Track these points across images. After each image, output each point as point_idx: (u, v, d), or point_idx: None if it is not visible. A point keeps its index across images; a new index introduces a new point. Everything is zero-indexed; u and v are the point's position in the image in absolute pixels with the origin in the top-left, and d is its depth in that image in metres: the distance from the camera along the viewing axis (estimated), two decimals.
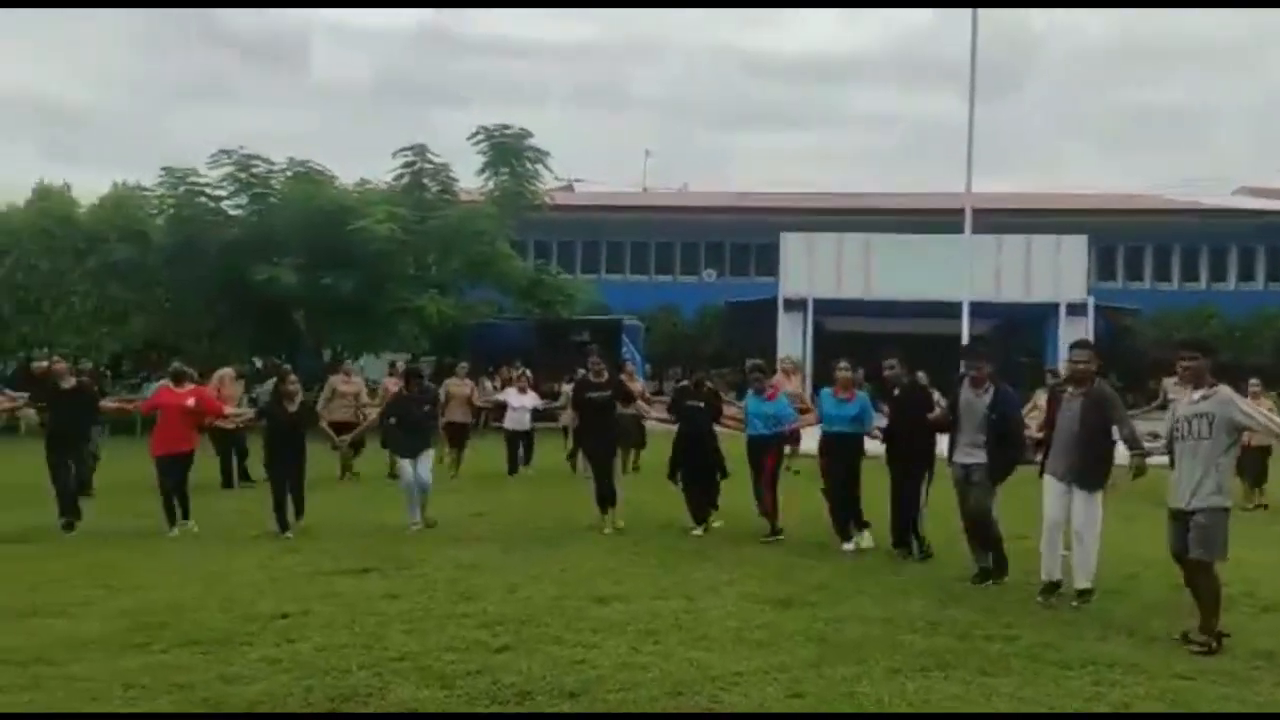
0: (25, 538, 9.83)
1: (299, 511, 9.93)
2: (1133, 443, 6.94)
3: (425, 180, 24.88)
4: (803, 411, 11.51)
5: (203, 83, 78.26)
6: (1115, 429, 7.04)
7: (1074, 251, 27.74)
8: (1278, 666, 5.63)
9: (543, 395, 15.92)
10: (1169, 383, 13.09)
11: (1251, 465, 11.85)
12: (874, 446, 9.12)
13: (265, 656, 5.60)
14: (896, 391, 8.81)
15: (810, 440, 10.09)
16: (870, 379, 9.81)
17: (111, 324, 23.64)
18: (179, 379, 10.57)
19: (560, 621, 6.32)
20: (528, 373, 16.25)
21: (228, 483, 13.64)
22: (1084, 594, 6.94)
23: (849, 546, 8.92)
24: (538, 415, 15.32)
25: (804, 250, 28.18)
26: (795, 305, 27.40)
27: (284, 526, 9.84)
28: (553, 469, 14.69)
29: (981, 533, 7.76)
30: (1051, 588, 7.06)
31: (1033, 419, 11.50)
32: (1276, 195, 36.98)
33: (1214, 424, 6.05)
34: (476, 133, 24.77)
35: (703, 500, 9.93)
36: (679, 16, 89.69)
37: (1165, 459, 6.54)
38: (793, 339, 26.40)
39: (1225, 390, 6.16)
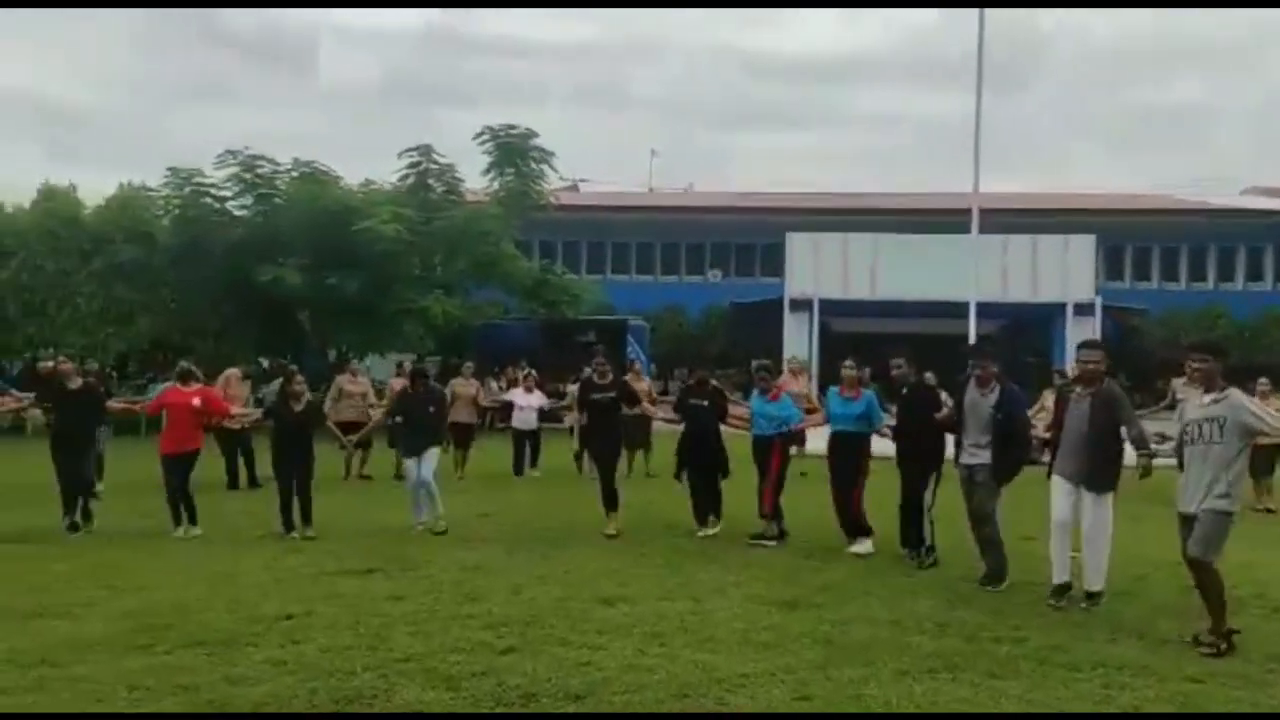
0: (29, 538, 9.82)
1: (306, 516, 9.83)
2: (1140, 443, 6.89)
3: (431, 180, 24.92)
4: (809, 412, 11.47)
5: (206, 83, 78.57)
6: (1124, 429, 6.99)
7: (1081, 251, 27.68)
8: None
9: (548, 395, 15.89)
10: (1178, 384, 13.02)
11: (1262, 464, 11.78)
12: (884, 447, 9.04)
13: (270, 658, 5.57)
14: (904, 391, 8.75)
15: (819, 441, 10.02)
16: (876, 378, 9.76)
17: (117, 324, 23.70)
18: (186, 378, 10.55)
19: (565, 623, 6.29)
20: (533, 372, 16.24)
21: (233, 483, 13.64)
22: (1093, 596, 6.89)
23: (871, 546, 8.85)
24: (544, 415, 15.29)
25: (810, 250, 28.15)
26: (801, 305, 27.38)
27: (289, 527, 9.82)
28: (558, 470, 14.66)
29: (979, 534, 7.70)
30: (1061, 590, 6.98)
31: (1040, 420, 11.48)
32: None
33: (1225, 428, 5.98)
34: (482, 133, 24.81)
35: (709, 500, 9.88)
36: (679, 16, 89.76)
37: (1173, 460, 6.49)
38: (798, 339, 26.35)
39: (1237, 394, 6.09)
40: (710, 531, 9.69)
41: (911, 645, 5.89)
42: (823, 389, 13.32)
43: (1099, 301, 27.14)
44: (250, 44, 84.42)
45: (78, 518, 10.09)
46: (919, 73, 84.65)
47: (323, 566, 8.08)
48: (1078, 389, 7.17)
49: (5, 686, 5.16)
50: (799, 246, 28.31)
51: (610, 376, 10.29)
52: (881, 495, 9.01)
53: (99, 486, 11.93)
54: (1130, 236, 33.74)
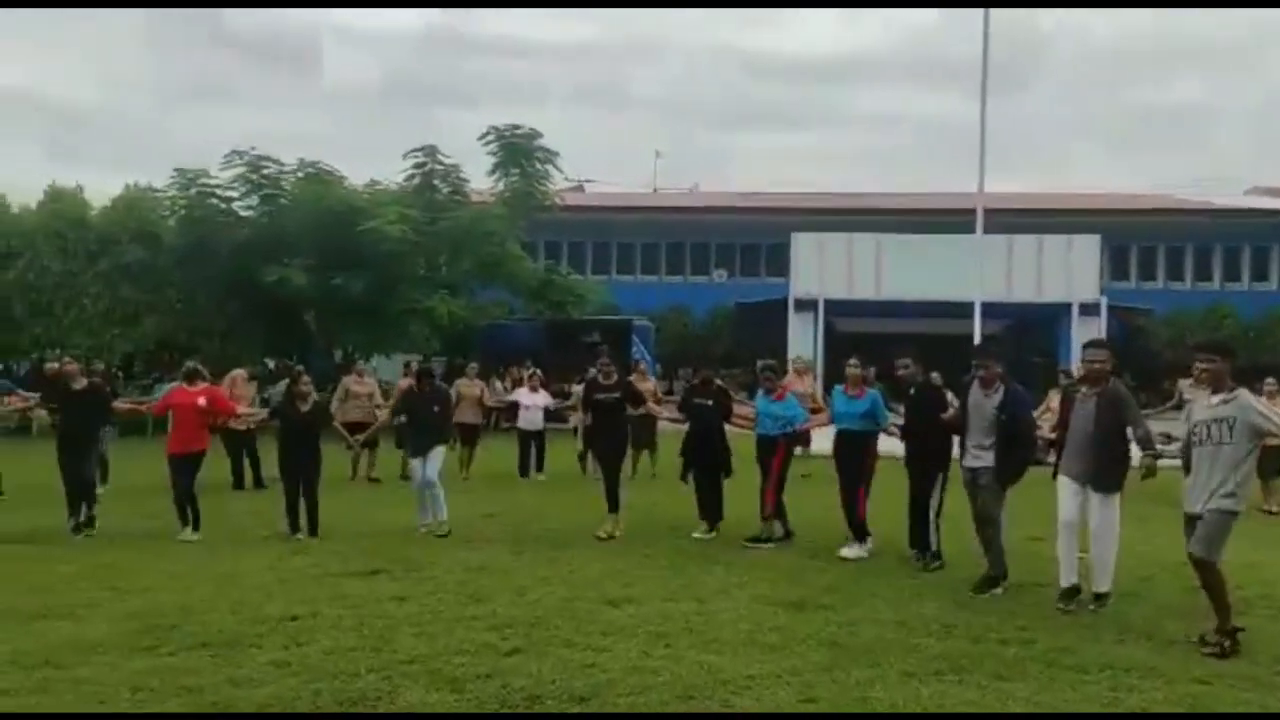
0: (34, 538, 9.83)
1: (312, 525, 9.78)
2: (1146, 443, 6.85)
3: (436, 181, 24.91)
4: (814, 411, 11.43)
5: (207, 83, 78.63)
6: (1130, 429, 6.94)
7: (1086, 251, 27.63)
8: None
9: (554, 396, 15.86)
10: (1185, 385, 12.96)
11: (1269, 465, 11.72)
12: (892, 446, 8.99)
13: (274, 659, 5.56)
14: (912, 391, 8.70)
15: (824, 441, 9.99)
16: (880, 378, 9.71)
17: (123, 325, 23.71)
18: (192, 378, 10.56)
19: (570, 624, 6.27)
20: (538, 372, 16.20)
21: (239, 484, 13.65)
22: (1101, 597, 6.85)
23: (863, 551, 8.81)
24: (549, 416, 15.25)
25: (815, 250, 28.12)
26: (806, 306, 27.35)
27: (295, 527, 9.81)
28: (564, 471, 14.64)
29: (982, 537, 7.63)
30: (1070, 594, 6.87)
31: (1045, 420, 11.43)
32: None
33: (1234, 428, 5.94)
34: (487, 133, 24.82)
35: (713, 501, 9.85)
36: (679, 16, 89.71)
37: (1178, 461, 6.46)
38: (803, 339, 26.32)
39: (1245, 394, 6.05)
40: (700, 535, 9.61)
41: (918, 647, 5.87)
42: (828, 389, 13.25)
43: (1104, 301, 27.08)
44: (252, 44, 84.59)
45: (82, 519, 10.10)
46: (919, 73, 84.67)
47: (327, 567, 8.07)
48: (1083, 389, 7.13)
49: (9, 688, 5.16)
50: (804, 246, 28.27)
51: (615, 377, 10.25)
52: (888, 496, 8.98)
53: (101, 489, 11.93)
54: (1135, 236, 33.66)
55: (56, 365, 14.90)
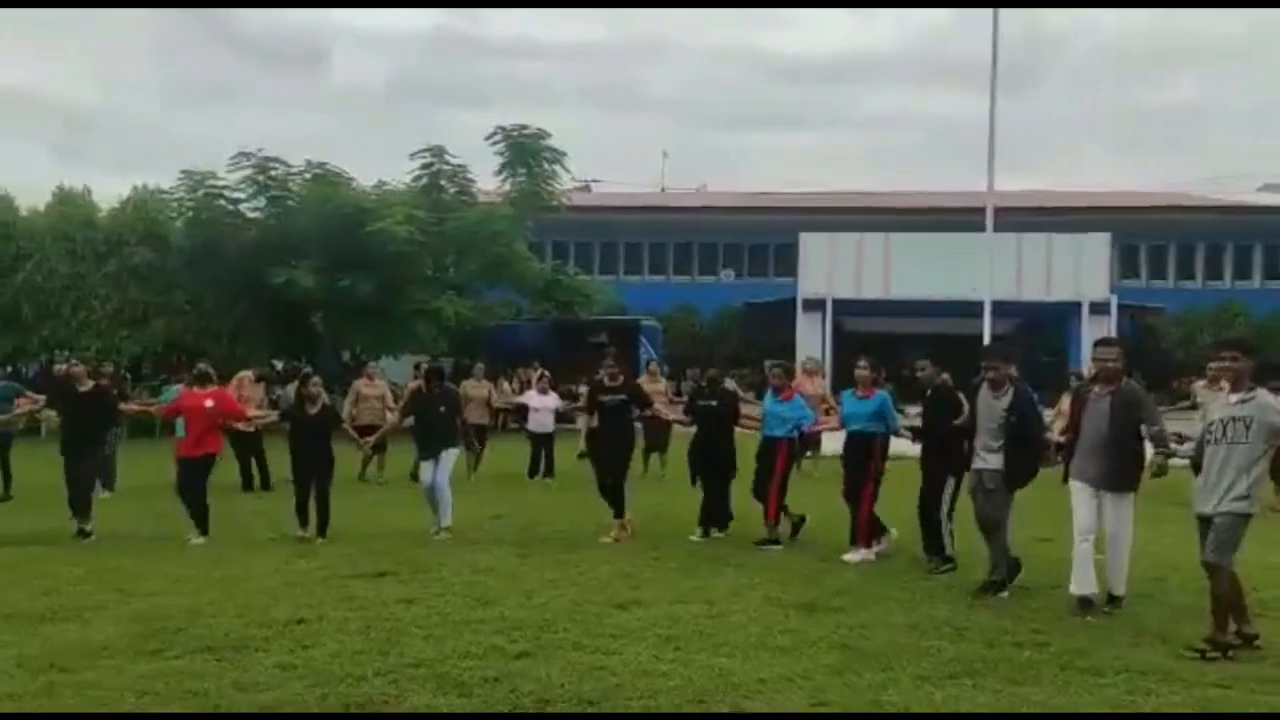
0: (41, 540, 9.81)
1: (321, 527, 9.72)
2: (1160, 441, 6.76)
3: (443, 181, 24.91)
4: (826, 412, 11.34)
5: (214, 84, 78.73)
6: (1144, 427, 6.85)
7: (1096, 250, 27.49)
8: None
9: (562, 397, 15.80)
10: (1198, 385, 12.82)
11: None
12: (905, 447, 8.90)
13: (280, 663, 5.52)
14: (928, 393, 8.60)
15: (835, 444, 9.90)
16: (889, 379, 9.61)
17: (131, 326, 23.76)
18: (202, 381, 10.53)
19: (579, 627, 6.22)
20: (547, 374, 16.14)
21: (247, 485, 13.64)
22: (1115, 600, 6.77)
23: (878, 548, 8.74)
24: (558, 417, 15.17)
25: (823, 250, 28.03)
26: (814, 305, 27.27)
27: (304, 523, 9.77)
28: (571, 472, 14.58)
29: (989, 542, 7.52)
30: (1087, 603, 6.68)
31: (1057, 425, 11.30)
32: None
33: (1251, 428, 5.85)
34: (494, 133, 24.81)
35: (719, 505, 9.77)
36: (688, 16, 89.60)
37: (1188, 461, 6.37)
38: (812, 339, 26.23)
39: (1265, 394, 5.95)
40: (696, 538, 9.53)
41: (931, 650, 5.80)
42: (837, 389, 13.19)
43: (1114, 300, 26.94)
44: (259, 45, 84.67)
45: (74, 532, 9.99)
46: (929, 72, 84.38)
47: (334, 570, 8.03)
48: (1095, 388, 7.01)
49: (14, 692, 5.12)
50: (812, 246, 28.18)
51: (621, 379, 10.13)
52: (901, 498, 8.88)
53: (105, 493, 11.92)
54: (1145, 235, 33.50)
55: (65, 367, 14.91)
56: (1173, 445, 6.90)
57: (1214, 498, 5.93)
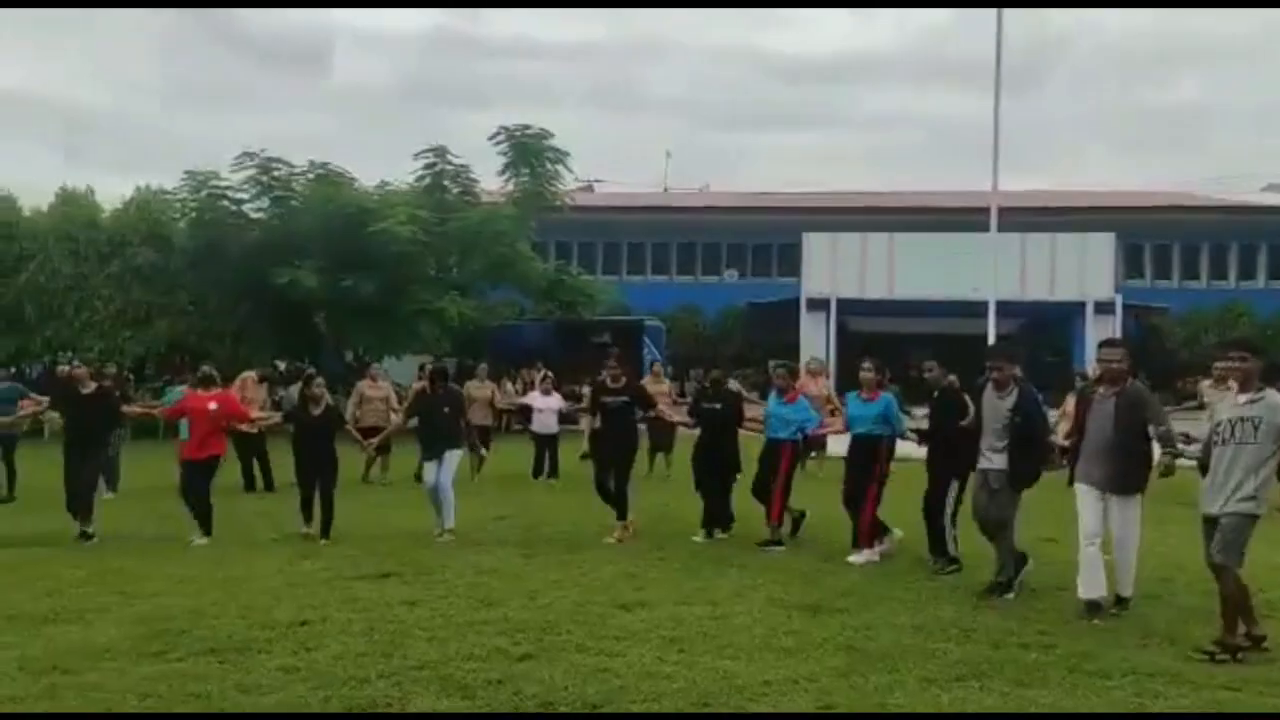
0: (43, 541, 9.80)
1: (325, 528, 9.69)
2: (1167, 441, 6.72)
3: (446, 182, 24.87)
4: (832, 413, 11.29)
5: (216, 85, 78.71)
6: (1151, 428, 6.80)
7: (1100, 249, 27.45)
8: None
9: (565, 398, 15.76)
10: (1205, 385, 12.76)
11: None
12: (911, 449, 8.85)
13: (283, 665, 5.50)
14: (935, 395, 8.56)
15: (841, 445, 9.86)
16: (894, 380, 9.56)
17: (134, 327, 23.73)
18: (206, 383, 10.50)
19: (582, 629, 6.19)
20: (550, 375, 16.11)
21: (249, 486, 13.63)
22: (1123, 601, 6.74)
23: (881, 547, 8.70)
24: (561, 418, 15.14)
25: (827, 250, 27.99)
26: (818, 305, 27.24)
27: (308, 520, 9.76)
28: (574, 473, 14.55)
29: (995, 543, 7.47)
30: (1095, 607, 6.61)
31: (1061, 427, 11.24)
32: None
33: (1260, 429, 5.82)
34: (497, 133, 24.75)
35: (721, 507, 9.73)
36: (688, 16, 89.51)
37: (1195, 461, 6.33)
38: (816, 339, 26.20)
39: (1274, 395, 5.91)
40: (699, 539, 9.50)
41: (937, 652, 5.77)
42: (841, 389, 13.12)
43: (1119, 300, 26.88)
44: (260, 45, 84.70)
45: (75, 534, 9.98)
46: (933, 72, 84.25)
47: (338, 571, 8.01)
48: (1100, 389, 6.97)
49: (16, 694, 5.11)
50: (816, 246, 28.15)
51: (623, 379, 10.06)
52: (906, 499, 8.84)
53: (109, 494, 11.90)
54: (1150, 234, 33.42)
55: (68, 369, 14.90)
56: (1180, 445, 6.85)
57: (1221, 498, 5.90)
